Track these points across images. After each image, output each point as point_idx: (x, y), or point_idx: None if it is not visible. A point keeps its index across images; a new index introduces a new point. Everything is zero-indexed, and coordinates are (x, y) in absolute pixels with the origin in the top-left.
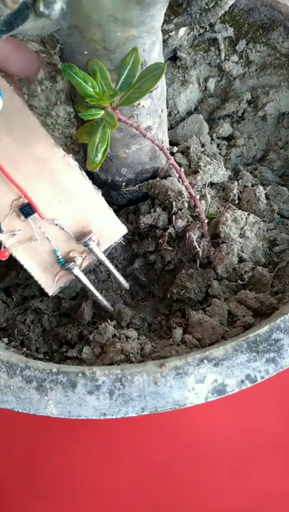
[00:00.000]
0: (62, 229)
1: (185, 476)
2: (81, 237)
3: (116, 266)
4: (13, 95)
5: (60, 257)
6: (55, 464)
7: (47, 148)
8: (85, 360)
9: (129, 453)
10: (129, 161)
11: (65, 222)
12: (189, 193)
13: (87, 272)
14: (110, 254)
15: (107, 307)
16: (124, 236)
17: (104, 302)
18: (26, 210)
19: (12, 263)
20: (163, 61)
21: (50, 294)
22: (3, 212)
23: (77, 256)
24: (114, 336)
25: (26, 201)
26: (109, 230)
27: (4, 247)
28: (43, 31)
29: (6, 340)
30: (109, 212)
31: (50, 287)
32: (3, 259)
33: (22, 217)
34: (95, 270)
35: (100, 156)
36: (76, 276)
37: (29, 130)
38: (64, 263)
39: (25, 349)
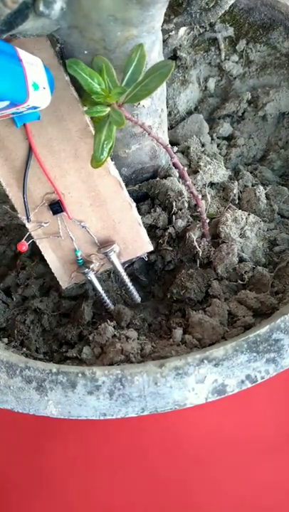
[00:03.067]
0: (88, 232)
1: (185, 476)
2: (105, 244)
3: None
4: (67, 86)
5: (79, 258)
6: (55, 464)
7: (89, 149)
8: (85, 360)
9: (129, 453)
10: (129, 160)
11: (91, 226)
12: (191, 192)
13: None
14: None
15: (111, 308)
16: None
17: (109, 304)
18: (55, 207)
19: (12, 263)
20: None
21: (64, 287)
22: (35, 202)
23: (96, 261)
24: (114, 336)
25: (57, 198)
26: (135, 244)
27: (30, 236)
28: (42, 31)
29: (5, 340)
30: (139, 227)
31: (65, 281)
32: (22, 251)
33: (51, 212)
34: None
35: (105, 153)
36: (90, 281)
37: (76, 126)
38: (82, 264)
39: (25, 349)
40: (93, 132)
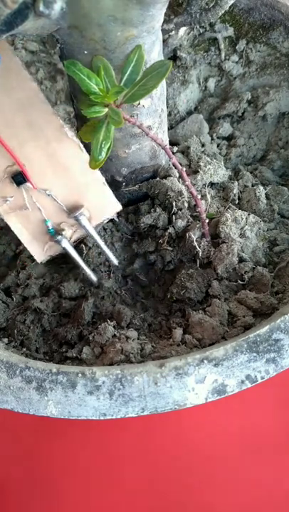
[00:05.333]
0: (55, 200)
1: (185, 476)
2: (73, 210)
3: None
4: (13, 57)
5: (50, 228)
6: (55, 464)
7: (43, 116)
8: (85, 360)
9: (129, 453)
10: (129, 160)
11: (58, 194)
12: (191, 192)
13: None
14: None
15: (92, 278)
16: (125, 235)
17: (90, 273)
18: (18, 178)
19: (12, 263)
20: None
21: (39, 261)
22: None
23: (68, 228)
24: (114, 336)
25: (19, 169)
26: (103, 205)
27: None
28: (42, 31)
29: (5, 340)
30: (105, 187)
31: (39, 255)
32: None
33: (14, 185)
34: (95, 270)
35: (103, 154)
36: (64, 249)
37: (27, 94)
38: (54, 233)
39: (25, 349)
40: (44, 98)
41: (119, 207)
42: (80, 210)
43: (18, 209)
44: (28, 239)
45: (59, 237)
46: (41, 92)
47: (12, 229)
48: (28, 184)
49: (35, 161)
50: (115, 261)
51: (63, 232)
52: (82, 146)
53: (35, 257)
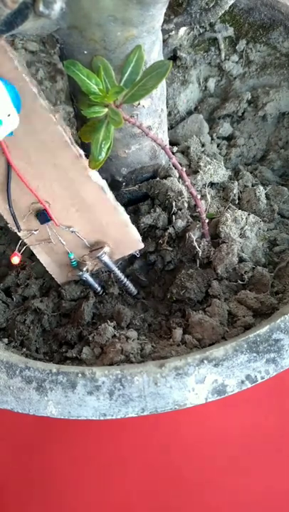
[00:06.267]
0: (78, 236)
1: (185, 476)
2: (96, 245)
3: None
4: (35, 98)
5: (73, 260)
6: (55, 465)
7: (68, 159)
8: (85, 360)
9: (129, 453)
10: (129, 160)
11: (81, 230)
12: (190, 192)
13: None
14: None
15: (132, 291)
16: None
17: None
18: (42, 217)
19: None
20: None
21: (60, 283)
22: (22, 212)
23: (89, 261)
24: (114, 336)
25: (43, 207)
26: (125, 243)
27: (23, 243)
28: (42, 31)
29: (5, 340)
30: (128, 227)
31: (62, 280)
32: (15, 263)
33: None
34: (96, 272)
35: (103, 154)
36: (85, 282)
37: (51, 137)
38: (76, 265)
39: (25, 349)
40: (69, 142)
41: (141, 245)
42: (102, 248)
43: (43, 241)
44: (52, 268)
45: (80, 273)
46: (66, 136)
47: (37, 257)
48: (51, 221)
49: (59, 199)
50: (135, 291)
51: (85, 267)
52: (105, 188)
53: (58, 281)
